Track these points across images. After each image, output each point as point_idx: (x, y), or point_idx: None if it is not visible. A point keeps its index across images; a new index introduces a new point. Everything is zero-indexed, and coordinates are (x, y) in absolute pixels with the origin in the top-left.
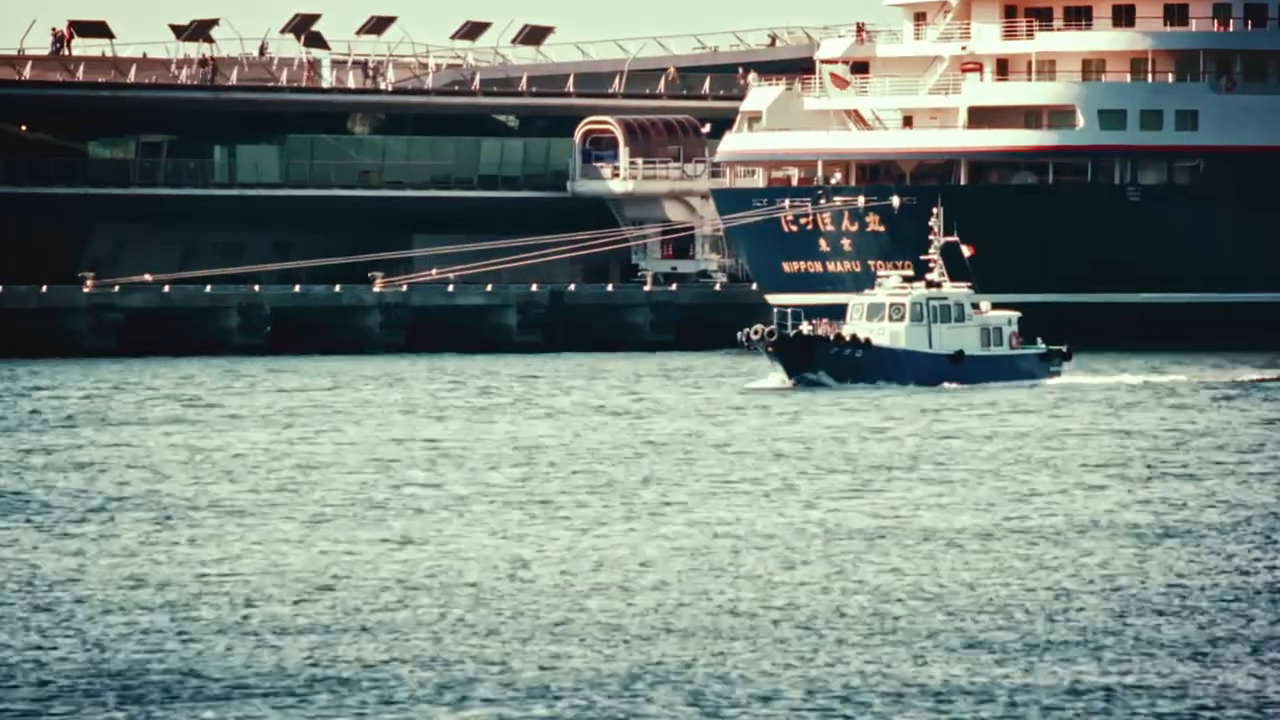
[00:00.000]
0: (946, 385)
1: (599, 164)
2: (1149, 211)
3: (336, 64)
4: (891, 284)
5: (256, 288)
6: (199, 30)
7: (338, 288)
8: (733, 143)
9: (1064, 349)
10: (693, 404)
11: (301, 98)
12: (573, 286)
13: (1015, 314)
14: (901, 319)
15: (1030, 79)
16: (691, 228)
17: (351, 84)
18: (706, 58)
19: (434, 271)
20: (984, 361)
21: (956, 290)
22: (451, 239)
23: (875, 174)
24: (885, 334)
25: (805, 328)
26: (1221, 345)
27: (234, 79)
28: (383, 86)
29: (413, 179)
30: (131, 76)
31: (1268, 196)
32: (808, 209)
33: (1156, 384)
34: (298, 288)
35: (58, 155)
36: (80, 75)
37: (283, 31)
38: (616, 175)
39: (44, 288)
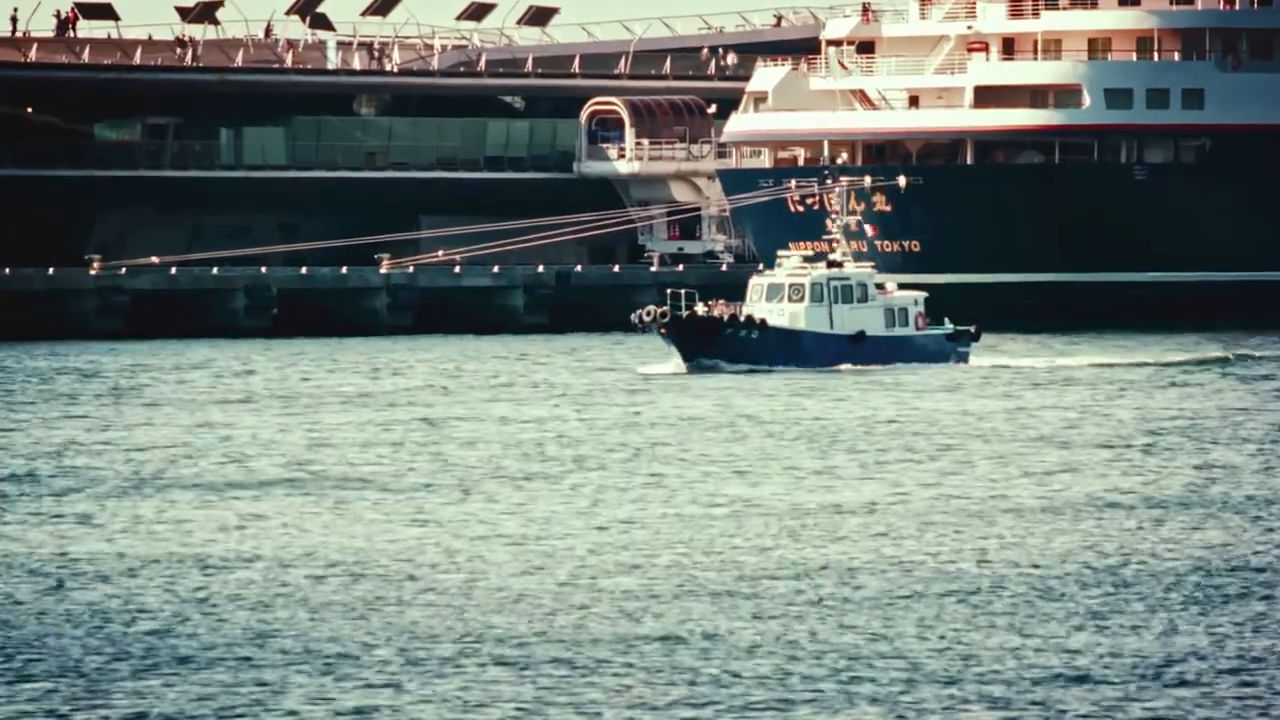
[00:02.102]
0: (847, 367)
1: (605, 145)
2: (1155, 190)
3: (342, 45)
4: (792, 264)
5: (263, 269)
6: (204, 12)
7: (344, 269)
8: (739, 123)
9: (971, 329)
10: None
11: (307, 79)
12: (579, 267)
13: (922, 294)
14: (801, 299)
15: (1036, 58)
16: (698, 208)
17: (357, 65)
18: (712, 38)
19: (440, 253)
20: (887, 342)
21: (859, 270)
22: (458, 220)
23: (881, 154)
24: (785, 315)
25: (700, 308)
26: (1226, 325)
27: (240, 61)
28: (388, 68)
29: (419, 160)
30: (137, 59)
31: (1274, 175)
32: (814, 189)
33: (1057, 367)
34: (304, 269)
35: (63, 138)
36: (86, 57)
37: (288, 13)
38: (622, 156)
39: (51, 270)
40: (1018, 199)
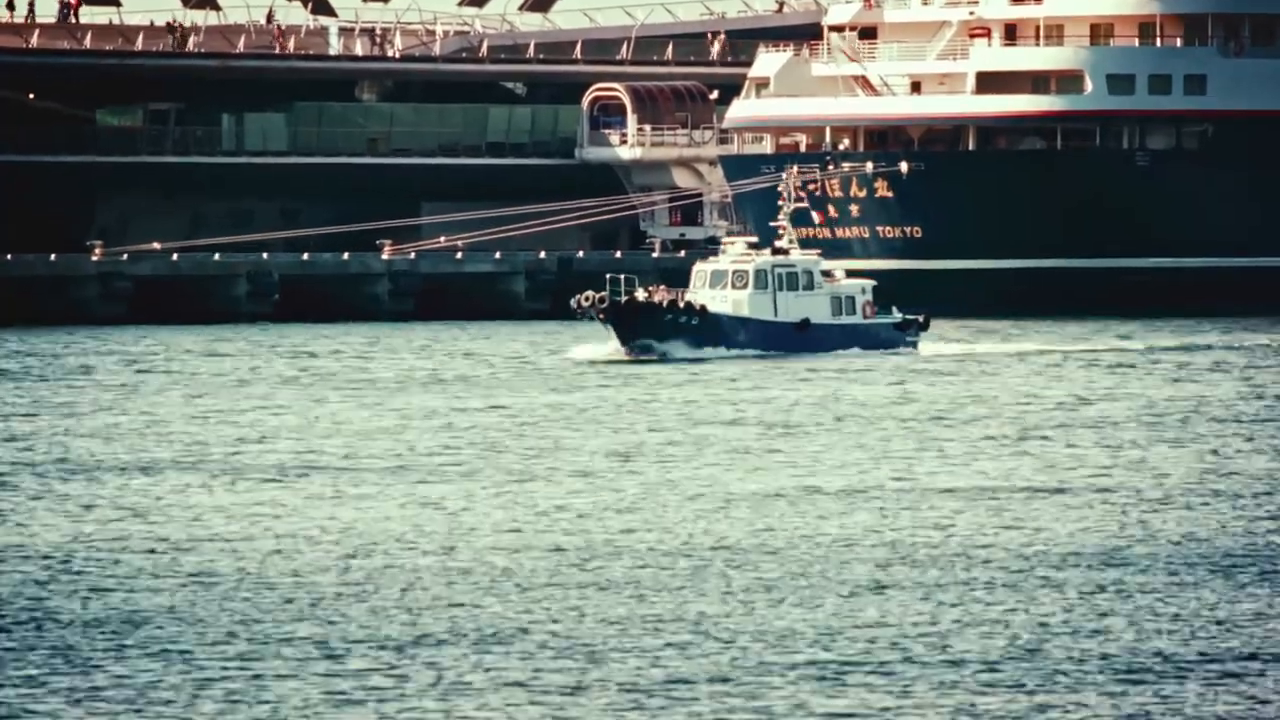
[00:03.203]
0: (788, 354)
1: (607, 131)
2: (1157, 176)
3: (344, 31)
4: (736, 250)
5: (265, 255)
6: None
7: (346, 255)
8: (741, 109)
9: (920, 318)
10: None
11: (309, 65)
12: (581, 253)
13: (870, 282)
14: (745, 286)
15: (1038, 44)
16: (699, 194)
17: (359, 51)
18: (714, 23)
19: (442, 239)
20: (833, 330)
21: (805, 257)
22: (459, 206)
23: (883, 140)
24: (728, 301)
25: (640, 294)
26: (1227, 311)
27: (241, 47)
28: (390, 54)
29: (421, 146)
30: (139, 44)
31: (1276, 160)
32: (816, 175)
33: (1000, 353)
34: (306, 255)
35: (65, 124)
36: (88, 43)
37: None
38: (624, 142)
39: (53, 256)
40: (1019, 185)
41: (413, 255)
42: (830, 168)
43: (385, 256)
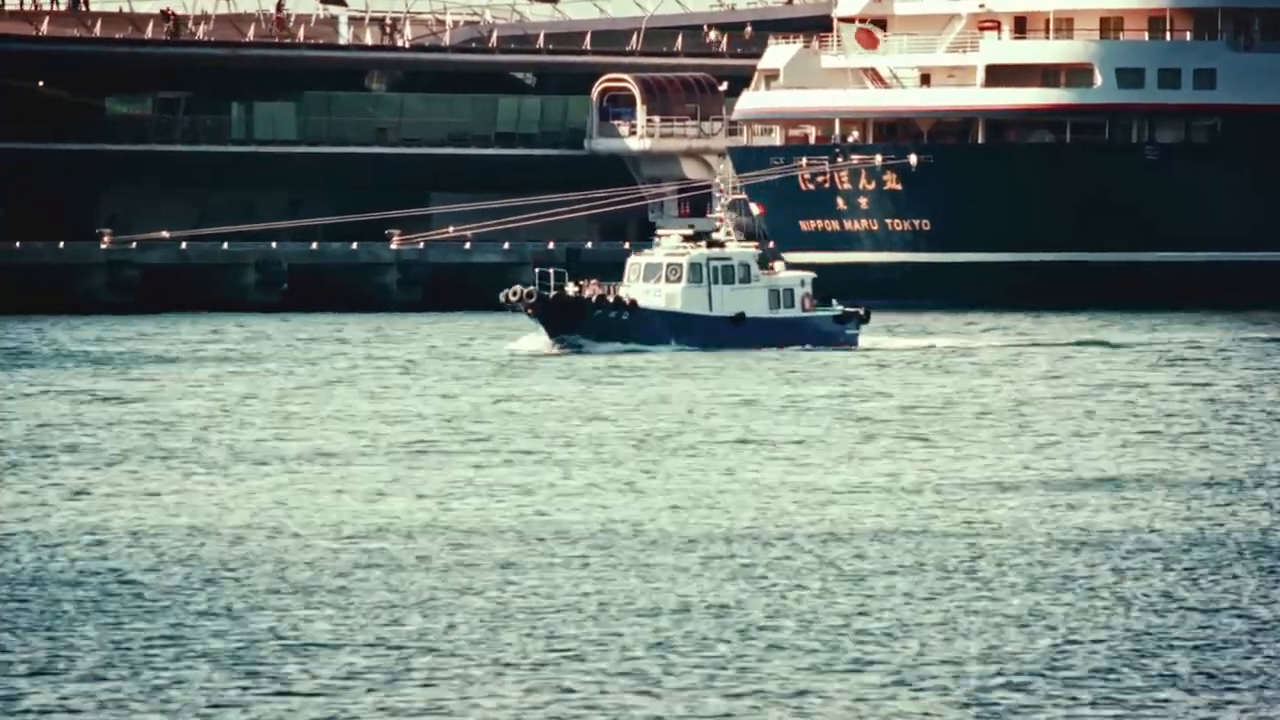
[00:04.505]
0: (722, 349)
1: (616, 122)
2: (1166, 170)
3: (354, 20)
4: (670, 243)
5: (273, 245)
6: None
7: (354, 245)
8: (750, 101)
9: (860, 311)
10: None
11: (319, 54)
12: (589, 244)
13: (809, 274)
14: (679, 280)
15: (1048, 37)
16: (708, 186)
17: (369, 41)
18: (724, 15)
19: (451, 229)
20: (770, 324)
21: (741, 250)
22: (468, 197)
23: (892, 132)
24: (661, 295)
25: (570, 288)
26: (1235, 305)
27: (251, 36)
28: (400, 43)
29: (430, 136)
30: (149, 33)
31: None
32: (825, 167)
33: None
34: (315, 245)
35: (74, 112)
36: (98, 31)
37: None
38: (634, 133)
39: (61, 244)
40: (1028, 178)
41: (421, 245)
42: (839, 160)
43: (394, 246)
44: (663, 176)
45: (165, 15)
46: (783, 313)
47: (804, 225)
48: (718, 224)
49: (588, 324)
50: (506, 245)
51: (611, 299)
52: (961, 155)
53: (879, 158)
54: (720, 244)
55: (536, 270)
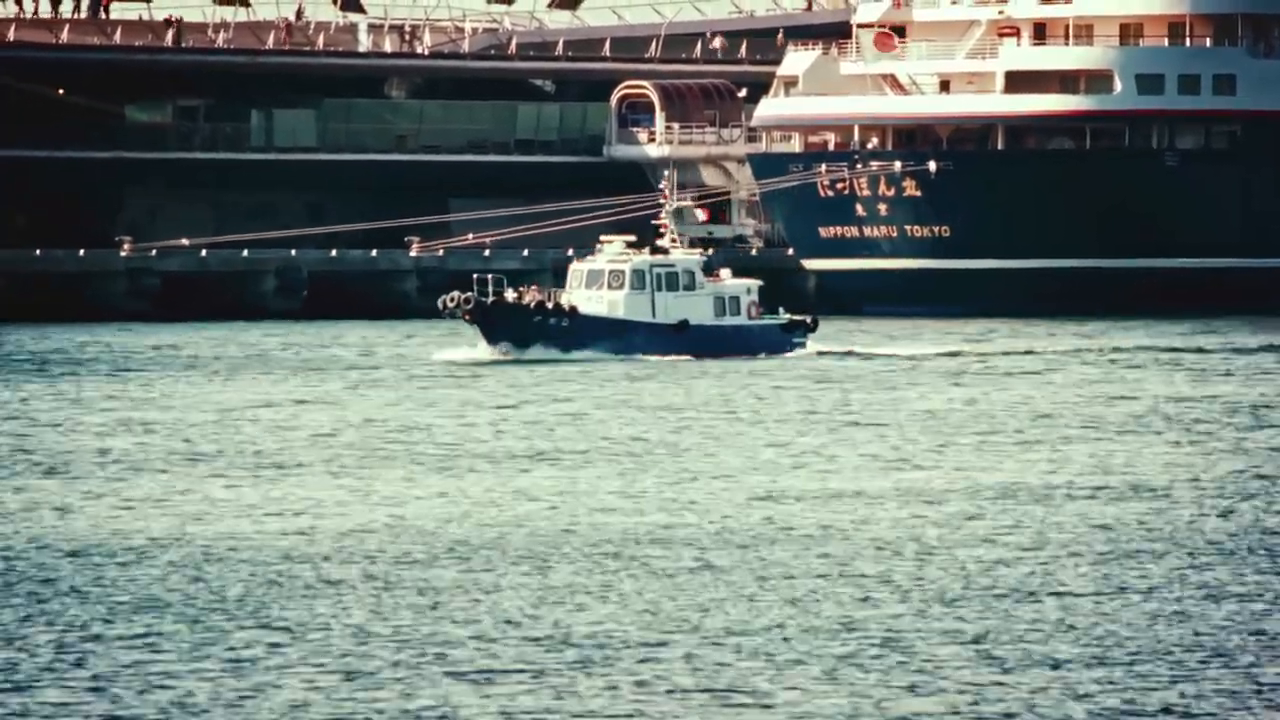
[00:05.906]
0: (665, 356)
1: (635, 129)
2: (1186, 176)
3: (373, 28)
4: (613, 250)
5: (293, 252)
6: None
7: (374, 252)
8: (769, 107)
9: (808, 320)
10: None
11: (338, 62)
12: None
13: (755, 282)
14: (621, 286)
15: (1068, 43)
16: (728, 192)
17: (388, 48)
18: (743, 22)
19: (470, 236)
20: (714, 332)
21: (686, 257)
22: (488, 203)
23: (912, 139)
24: (604, 302)
25: (510, 294)
26: (1256, 311)
27: (271, 43)
28: (419, 50)
29: (449, 143)
30: (169, 40)
31: None
32: (844, 174)
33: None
34: (334, 252)
35: (94, 119)
36: (117, 39)
37: None
38: (653, 140)
39: (81, 252)
40: (1048, 185)
41: (441, 252)
42: (859, 166)
43: (413, 253)
44: (682, 183)
45: (168, 22)
46: (728, 320)
47: (823, 232)
48: (662, 230)
49: (525, 331)
50: (526, 252)
51: (551, 305)
52: (981, 162)
53: (898, 164)
54: (664, 250)
55: (475, 276)
